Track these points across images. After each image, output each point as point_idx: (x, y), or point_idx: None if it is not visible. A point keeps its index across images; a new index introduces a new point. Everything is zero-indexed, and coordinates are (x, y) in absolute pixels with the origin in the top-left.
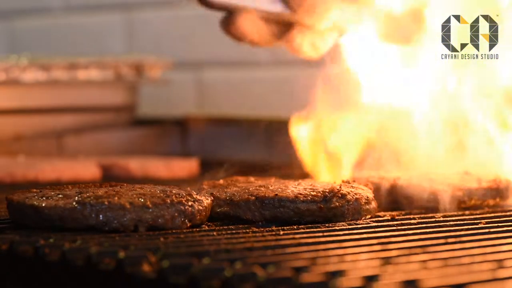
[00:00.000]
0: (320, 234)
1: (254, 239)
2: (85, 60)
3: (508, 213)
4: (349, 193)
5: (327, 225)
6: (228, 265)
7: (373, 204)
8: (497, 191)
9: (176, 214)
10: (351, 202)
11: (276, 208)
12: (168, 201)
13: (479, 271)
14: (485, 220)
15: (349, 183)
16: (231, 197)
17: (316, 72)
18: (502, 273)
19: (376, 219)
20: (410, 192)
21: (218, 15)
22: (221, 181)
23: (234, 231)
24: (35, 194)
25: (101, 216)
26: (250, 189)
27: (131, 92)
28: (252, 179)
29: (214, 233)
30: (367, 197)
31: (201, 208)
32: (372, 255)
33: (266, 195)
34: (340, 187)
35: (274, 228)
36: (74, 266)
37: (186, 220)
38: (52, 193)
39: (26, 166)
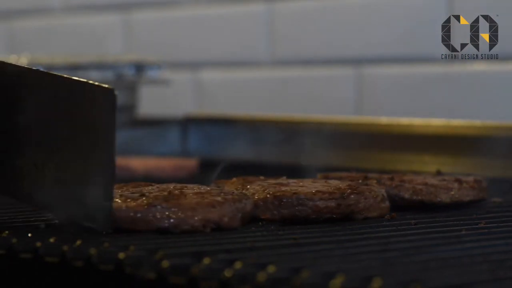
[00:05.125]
0: (320, 234)
1: (254, 239)
2: (85, 60)
3: (508, 213)
4: (365, 190)
5: (326, 225)
6: (228, 265)
7: (387, 203)
8: (478, 191)
9: (236, 212)
10: (368, 199)
11: (295, 206)
12: (229, 200)
13: (479, 271)
14: (485, 220)
15: (361, 181)
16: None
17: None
18: (502, 273)
19: (376, 219)
20: (392, 192)
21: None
22: (234, 180)
23: (234, 231)
24: None
25: (172, 219)
26: (268, 187)
27: (131, 92)
28: (262, 178)
29: (214, 233)
30: (383, 195)
31: (252, 207)
32: (372, 255)
33: (285, 193)
34: (356, 184)
35: (273, 228)
36: (74, 266)
37: (241, 219)
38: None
39: None
